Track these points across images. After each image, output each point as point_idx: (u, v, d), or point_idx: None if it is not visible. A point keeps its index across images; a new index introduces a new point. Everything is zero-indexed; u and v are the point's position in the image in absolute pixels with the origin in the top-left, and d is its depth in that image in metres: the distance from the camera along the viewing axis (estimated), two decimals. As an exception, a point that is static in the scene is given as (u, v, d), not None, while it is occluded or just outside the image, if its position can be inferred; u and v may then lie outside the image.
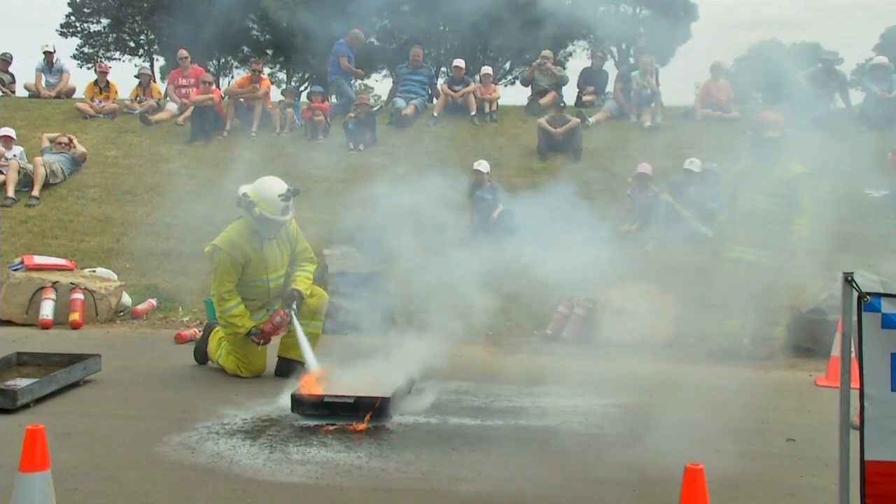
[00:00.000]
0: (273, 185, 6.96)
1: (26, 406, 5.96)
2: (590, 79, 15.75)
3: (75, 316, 8.99)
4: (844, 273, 3.39)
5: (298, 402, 5.83)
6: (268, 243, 7.04)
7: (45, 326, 8.92)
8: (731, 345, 7.97)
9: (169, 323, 9.22)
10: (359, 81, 16.42)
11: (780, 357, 8.09)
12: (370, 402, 5.78)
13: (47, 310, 9.04)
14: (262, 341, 7.10)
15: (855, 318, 3.29)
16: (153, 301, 9.77)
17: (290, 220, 7.07)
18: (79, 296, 9.12)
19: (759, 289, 7.84)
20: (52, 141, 13.11)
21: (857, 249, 10.47)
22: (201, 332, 8.40)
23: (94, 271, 9.93)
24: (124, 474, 4.79)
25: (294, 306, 7.06)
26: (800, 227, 7.69)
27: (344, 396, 5.85)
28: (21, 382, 6.30)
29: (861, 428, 3.25)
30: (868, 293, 3.27)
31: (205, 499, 4.46)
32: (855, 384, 3.33)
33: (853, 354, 3.37)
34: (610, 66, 16.96)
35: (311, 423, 5.73)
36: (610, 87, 15.41)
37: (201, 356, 7.54)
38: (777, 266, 7.80)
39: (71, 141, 13.09)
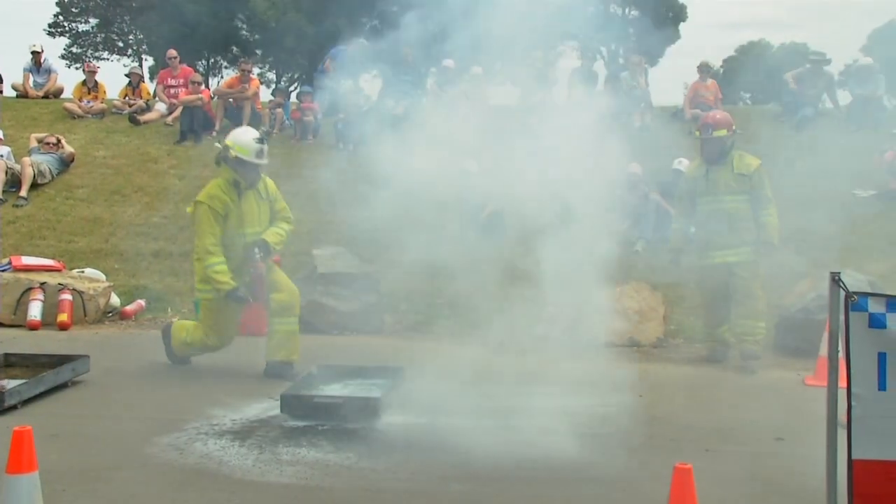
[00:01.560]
0: (248, 131, 7.37)
1: (14, 407, 5.93)
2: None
3: (63, 317, 8.95)
4: (832, 273, 3.41)
5: (288, 403, 5.81)
6: (245, 196, 7.15)
7: (32, 327, 8.88)
8: (721, 345, 7.99)
9: (158, 324, 9.18)
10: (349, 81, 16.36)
11: (768, 356, 8.11)
12: (360, 402, 5.77)
13: (35, 310, 8.99)
14: (248, 299, 7.15)
15: (842, 317, 3.30)
16: (142, 302, 9.73)
17: (265, 165, 7.22)
18: (67, 296, 9.08)
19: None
20: (39, 141, 13.06)
21: (844, 249, 10.52)
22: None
23: (83, 272, 9.89)
24: (113, 476, 4.77)
25: (256, 250, 7.12)
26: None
27: (334, 397, 5.84)
28: (8, 384, 6.26)
29: (848, 427, 3.26)
30: (855, 293, 3.29)
31: (194, 500, 4.45)
32: (843, 383, 3.35)
33: (841, 354, 3.38)
34: (599, 67, 17.01)
35: (301, 423, 5.72)
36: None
37: (171, 355, 7.53)
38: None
39: (59, 141, 13.04)
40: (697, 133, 7.97)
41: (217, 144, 7.31)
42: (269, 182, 7.43)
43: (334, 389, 6.38)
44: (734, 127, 7.89)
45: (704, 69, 14.84)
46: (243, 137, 7.18)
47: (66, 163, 13.00)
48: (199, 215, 7.06)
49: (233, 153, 7.06)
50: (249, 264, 7.13)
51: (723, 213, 7.72)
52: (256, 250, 7.12)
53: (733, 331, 7.86)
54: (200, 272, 7.14)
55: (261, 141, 7.13)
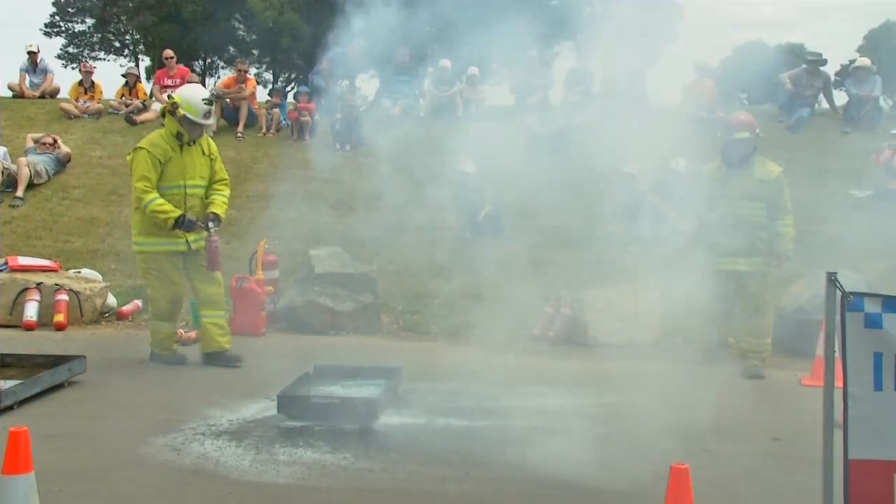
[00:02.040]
0: (197, 90, 7.54)
1: (10, 408, 5.92)
2: (576, 79, 15.76)
3: (60, 317, 8.94)
4: (828, 273, 3.41)
5: (285, 403, 5.81)
6: (188, 149, 7.34)
7: (29, 328, 8.86)
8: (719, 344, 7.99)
9: (154, 324, 9.17)
10: (345, 82, 16.37)
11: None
12: (356, 403, 5.77)
13: (31, 311, 8.97)
14: (197, 222, 7.31)
15: (839, 317, 3.30)
16: (138, 302, 9.71)
17: (211, 125, 7.48)
18: (63, 297, 9.07)
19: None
20: (36, 141, 13.03)
21: (841, 249, 10.52)
22: (191, 333, 8.40)
23: (79, 272, 9.87)
24: (109, 476, 4.76)
25: (211, 225, 7.33)
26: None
27: (331, 397, 5.84)
28: (5, 384, 6.25)
29: (844, 427, 3.27)
30: (851, 293, 3.29)
31: (191, 500, 4.45)
32: (839, 383, 3.35)
33: (837, 354, 3.39)
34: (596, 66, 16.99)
35: (298, 423, 5.72)
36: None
37: (157, 356, 7.58)
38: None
39: (55, 141, 13.02)
40: (719, 134, 7.70)
41: (166, 97, 7.60)
42: (211, 142, 7.69)
43: (331, 390, 6.37)
44: (757, 129, 7.54)
45: (702, 69, 14.83)
46: (193, 97, 7.33)
47: (62, 163, 12.99)
48: (137, 160, 7.28)
49: (180, 111, 7.23)
50: (206, 237, 7.36)
51: (737, 219, 7.36)
52: (211, 224, 7.34)
53: (738, 344, 7.76)
54: (138, 221, 7.36)
55: (209, 102, 7.40)
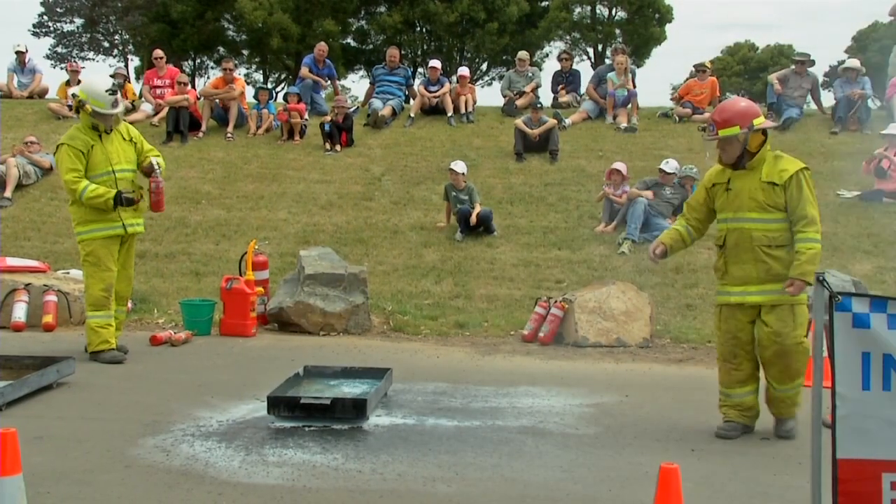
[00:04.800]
0: (99, 82, 7.57)
1: (-2, 409, 5.90)
2: (565, 80, 15.82)
3: (48, 318, 8.90)
4: (816, 273, 3.43)
5: (275, 404, 5.80)
6: (107, 137, 7.47)
7: (17, 329, 8.82)
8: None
9: (143, 325, 9.15)
10: (334, 83, 16.37)
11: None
12: (347, 403, 5.77)
13: (20, 312, 8.93)
14: (134, 198, 7.46)
15: (826, 317, 3.32)
16: (129, 303, 9.67)
17: (121, 111, 7.60)
18: (52, 298, 9.03)
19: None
20: (27, 144, 12.81)
21: (829, 249, 10.58)
22: (177, 334, 8.38)
23: (68, 273, 9.83)
24: (98, 478, 4.74)
25: (155, 164, 7.59)
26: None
27: (321, 398, 5.84)
28: (-7, 385, 6.22)
29: (833, 426, 3.28)
30: (839, 293, 3.30)
31: (180, 502, 4.43)
32: (827, 383, 3.37)
33: (826, 354, 3.40)
34: (587, 67, 17.11)
35: (288, 424, 5.71)
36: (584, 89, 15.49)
37: (99, 356, 7.52)
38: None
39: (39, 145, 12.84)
40: (706, 133, 5.94)
41: (72, 95, 7.80)
42: (130, 127, 7.84)
43: (321, 390, 6.37)
44: (757, 121, 5.68)
45: (700, 69, 14.91)
46: (96, 91, 7.41)
47: (48, 167, 12.85)
48: (61, 155, 7.47)
49: (88, 107, 7.37)
50: (150, 178, 7.57)
51: (744, 236, 5.63)
52: (155, 164, 7.59)
53: (765, 395, 5.79)
54: (75, 212, 7.50)
55: (113, 92, 7.42)
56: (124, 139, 7.61)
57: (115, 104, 7.44)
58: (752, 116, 5.70)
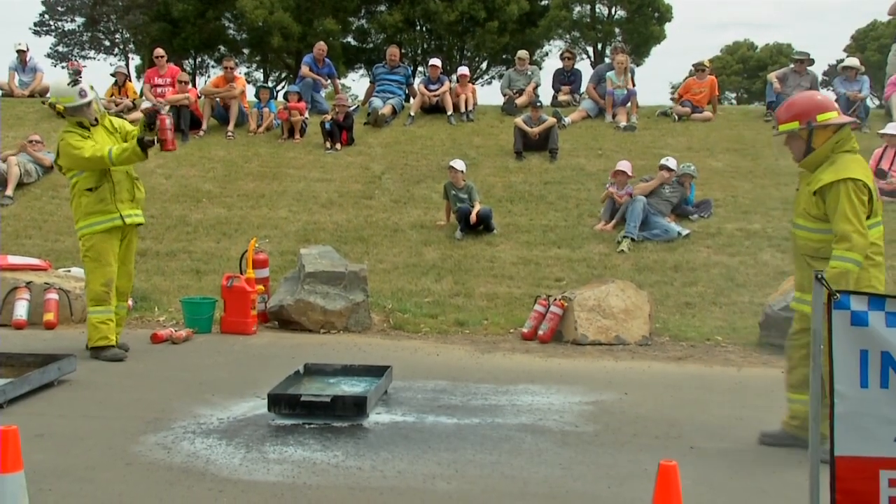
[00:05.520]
0: (59, 80, 7.76)
1: (0, 407, 5.90)
2: (567, 79, 15.82)
3: (49, 316, 8.91)
4: (815, 271, 3.43)
5: (275, 402, 5.80)
6: (95, 130, 7.54)
7: (18, 327, 8.82)
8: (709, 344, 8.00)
9: (144, 322, 9.16)
10: (335, 82, 16.37)
11: (752, 354, 8.16)
12: (347, 401, 5.77)
13: (21, 310, 8.94)
14: (153, 140, 7.50)
15: (825, 315, 3.32)
16: (130, 301, 9.68)
17: (91, 99, 7.57)
18: (53, 296, 9.03)
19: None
20: (31, 143, 12.83)
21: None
22: (178, 332, 8.38)
23: (69, 271, 9.83)
24: (99, 475, 4.75)
25: (159, 105, 7.82)
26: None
27: (321, 396, 5.84)
28: (-6, 383, 6.22)
29: (831, 424, 3.29)
30: (837, 291, 3.31)
31: (181, 499, 4.44)
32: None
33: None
34: (587, 66, 17.11)
35: (288, 422, 5.71)
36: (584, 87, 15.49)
37: (101, 353, 7.51)
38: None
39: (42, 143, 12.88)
40: (774, 131, 5.55)
41: (43, 104, 8.08)
42: (113, 119, 7.93)
43: (322, 388, 6.38)
44: (822, 116, 5.21)
45: (699, 68, 14.92)
46: (60, 89, 7.56)
47: (54, 161, 12.85)
48: (68, 141, 7.44)
49: (60, 107, 7.57)
50: (157, 116, 7.53)
51: (795, 242, 5.42)
52: (155, 103, 7.92)
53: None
54: (76, 208, 7.52)
55: (74, 83, 7.53)
56: (110, 132, 7.65)
57: (82, 94, 7.46)
58: (816, 111, 5.20)
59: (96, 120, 7.56)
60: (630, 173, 11.36)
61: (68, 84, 7.51)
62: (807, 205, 5.22)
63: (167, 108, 7.67)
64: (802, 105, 5.30)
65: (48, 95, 7.87)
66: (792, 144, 5.34)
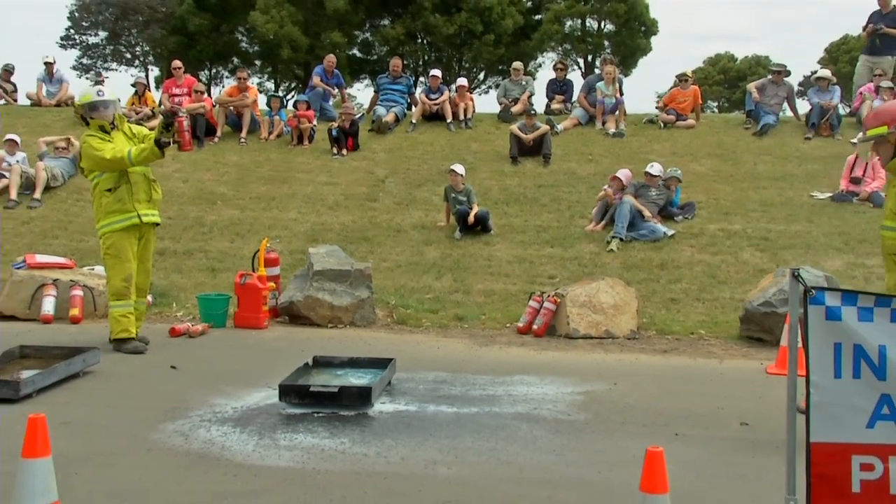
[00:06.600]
0: (82, 85, 8.13)
1: (29, 396, 5.89)
2: (560, 88, 15.82)
3: (75, 311, 8.90)
4: (791, 269, 3.43)
5: (286, 392, 5.81)
6: (114, 135, 7.50)
7: (46, 321, 8.82)
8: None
9: (164, 318, 9.15)
10: (343, 91, 16.36)
11: (733, 347, 8.16)
12: (353, 391, 5.78)
13: (48, 306, 8.94)
14: (178, 139, 7.66)
15: (801, 310, 3.33)
16: (149, 297, 9.68)
17: (111, 99, 7.57)
18: (78, 292, 9.03)
19: None
20: (49, 144, 12.93)
21: (802, 247, 10.60)
22: (195, 326, 8.37)
23: (93, 269, 9.82)
24: (121, 460, 4.75)
25: (176, 108, 7.85)
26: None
27: (329, 386, 5.84)
28: (24, 374, 6.23)
29: (807, 412, 3.29)
30: (813, 287, 3.31)
31: (198, 482, 4.44)
32: (802, 372, 3.37)
33: (800, 344, 3.41)
34: (577, 77, 17.12)
35: (298, 411, 5.71)
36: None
37: (124, 346, 7.50)
38: None
39: (69, 142, 12.94)
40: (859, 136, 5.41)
41: (71, 108, 8.33)
42: (133, 125, 7.87)
43: (329, 379, 6.37)
44: None
45: (683, 78, 14.92)
46: (83, 91, 7.68)
47: (77, 165, 12.87)
48: (90, 143, 7.37)
49: (80, 107, 7.59)
50: (176, 119, 7.57)
51: (884, 243, 5.28)
52: (178, 109, 7.81)
53: None
54: (97, 208, 7.50)
55: (96, 83, 7.76)
56: (129, 138, 7.61)
57: (101, 92, 7.49)
58: None
59: (115, 125, 7.54)
60: (626, 183, 11.31)
61: (91, 84, 7.63)
62: (892, 205, 5.07)
63: (184, 111, 7.68)
64: (891, 111, 5.20)
65: (76, 100, 7.93)
66: (879, 148, 5.22)
